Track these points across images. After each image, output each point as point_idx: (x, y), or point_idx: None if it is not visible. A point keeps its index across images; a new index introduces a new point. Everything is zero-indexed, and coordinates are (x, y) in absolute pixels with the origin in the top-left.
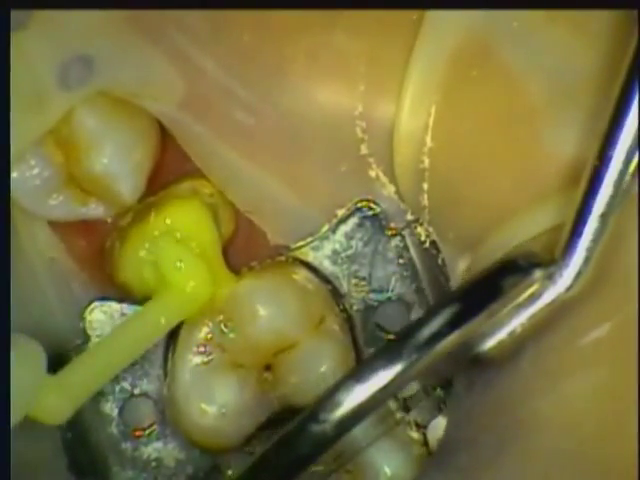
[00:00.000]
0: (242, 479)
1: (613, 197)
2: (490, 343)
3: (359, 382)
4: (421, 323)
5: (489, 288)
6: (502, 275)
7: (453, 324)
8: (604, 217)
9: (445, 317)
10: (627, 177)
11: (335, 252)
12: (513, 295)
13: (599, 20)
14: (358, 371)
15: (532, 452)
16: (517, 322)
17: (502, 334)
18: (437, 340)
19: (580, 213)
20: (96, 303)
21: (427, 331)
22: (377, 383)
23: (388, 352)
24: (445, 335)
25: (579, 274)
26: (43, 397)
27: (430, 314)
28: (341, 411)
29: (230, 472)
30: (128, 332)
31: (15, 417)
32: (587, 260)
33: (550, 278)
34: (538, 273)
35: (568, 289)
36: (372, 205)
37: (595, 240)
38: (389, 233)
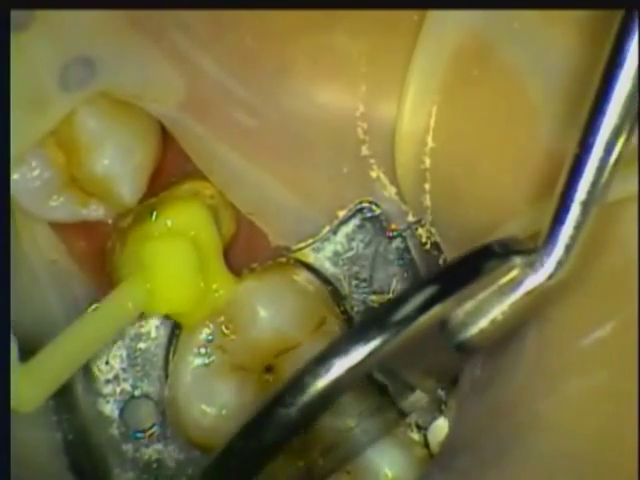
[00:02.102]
0: (211, 467)
1: (594, 185)
2: (472, 331)
3: (324, 365)
4: (393, 305)
5: (466, 270)
6: (480, 259)
7: (426, 306)
8: (585, 205)
9: (419, 300)
10: (609, 165)
11: (336, 253)
12: (492, 279)
13: (599, 20)
14: (323, 354)
15: (533, 454)
16: (498, 310)
17: (483, 322)
18: (407, 322)
19: (561, 201)
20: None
21: (399, 314)
22: (343, 366)
23: (355, 335)
24: (414, 318)
25: (560, 263)
26: (15, 385)
27: (403, 296)
28: (307, 394)
29: None
30: (97, 317)
31: None
32: (568, 249)
33: (531, 266)
34: (518, 259)
35: (549, 277)
36: (373, 206)
37: (577, 228)
38: (390, 234)
